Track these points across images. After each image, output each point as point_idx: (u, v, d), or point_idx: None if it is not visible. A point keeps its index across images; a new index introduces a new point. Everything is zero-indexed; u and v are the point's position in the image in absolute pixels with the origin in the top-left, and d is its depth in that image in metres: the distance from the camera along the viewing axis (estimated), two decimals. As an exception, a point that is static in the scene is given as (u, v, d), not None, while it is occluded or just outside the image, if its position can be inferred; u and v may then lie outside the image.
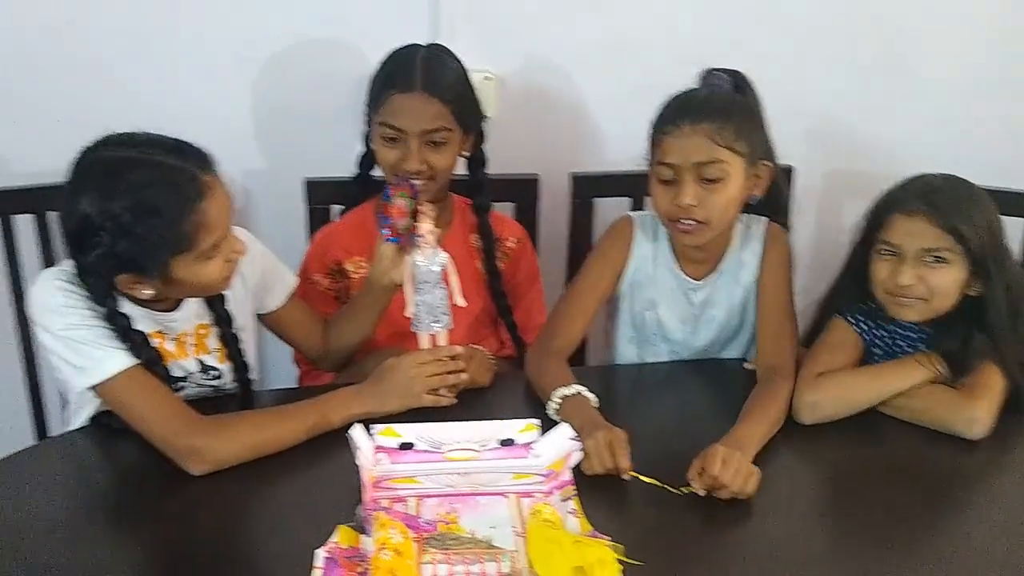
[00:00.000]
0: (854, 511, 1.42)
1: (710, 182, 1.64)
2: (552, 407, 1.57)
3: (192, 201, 1.42)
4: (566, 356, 1.74)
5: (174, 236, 1.42)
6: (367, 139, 1.92)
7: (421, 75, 1.79)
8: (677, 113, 1.66)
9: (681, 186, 1.65)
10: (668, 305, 1.83)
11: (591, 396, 1.58)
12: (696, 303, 1.82)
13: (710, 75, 1.73)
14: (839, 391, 1.62)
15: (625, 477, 1.42)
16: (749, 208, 1.78)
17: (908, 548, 1.33)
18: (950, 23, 2.27)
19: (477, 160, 1.94)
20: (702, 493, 1.38)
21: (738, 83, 1.72)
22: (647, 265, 1.82)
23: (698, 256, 1.80)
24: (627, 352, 1.91)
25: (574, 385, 1.59)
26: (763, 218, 1.82)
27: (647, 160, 1.72)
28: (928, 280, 1.59)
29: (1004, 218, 1.65)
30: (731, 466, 1.38)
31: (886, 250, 1.62)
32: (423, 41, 1.90)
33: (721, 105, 1.66)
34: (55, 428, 1.95)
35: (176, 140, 1.47)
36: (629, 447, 1.44)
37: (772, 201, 1.81)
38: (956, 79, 2.32)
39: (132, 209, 1.39)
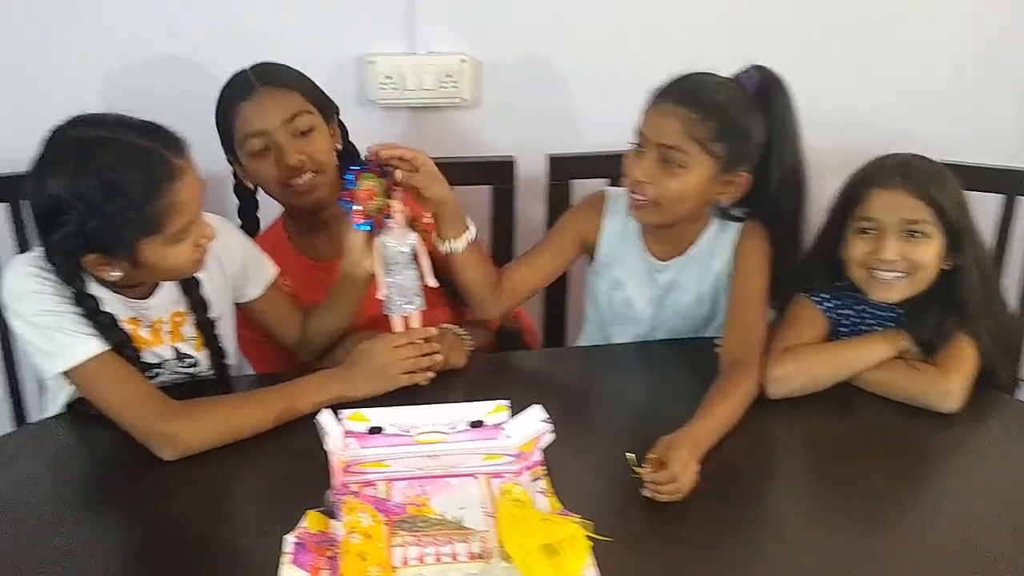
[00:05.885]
0: (829, 485, 1.44)
1: (670, 165, 1.62)
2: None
3: (162, 183, 1.41)
4: (500, 283, 1.77)
5: (143, 217, 1.41)
6: (237, 178, 1.89)
7: (255, 77, 1.77)
8: (667, 90, 1.64)
9: (640, 159, 1.64)
10: (635, 285, 1.82)
11: None
12: (661, 284, 1.81)
13: (748, 69, 1.67)
14: (803, 365, 1.61)
15: None
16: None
17: (882, 520, 1.34)
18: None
19: (348, 155, 1.87)
20: (647, 481, 1.34)
21: (767, 85, 1.65)
22: (616, 240, 1.80)
23: (666, 237, 1.77)
24: (595, 334, 1.92)
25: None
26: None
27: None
28: (910, 255, 1.59)
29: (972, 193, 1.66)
30: (689, 472, 1.35)
31: (865, 226, 1.62)
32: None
33: (715, 100, 1.60)
34: (34, 415, 1.95)
35: (148, 122, 1.45)
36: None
37: (771, 211, 1.74)
38: (930, 53, 2.32)
39: (102, 189, 1.38)
